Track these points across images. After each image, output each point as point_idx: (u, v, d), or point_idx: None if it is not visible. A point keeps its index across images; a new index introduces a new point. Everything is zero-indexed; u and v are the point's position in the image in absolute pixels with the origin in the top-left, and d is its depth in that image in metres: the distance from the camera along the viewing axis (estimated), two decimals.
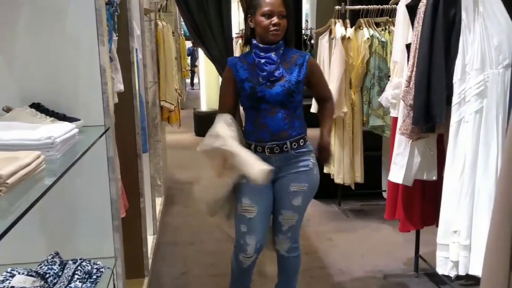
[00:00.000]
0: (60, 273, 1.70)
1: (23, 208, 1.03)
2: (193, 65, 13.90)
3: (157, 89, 4.45)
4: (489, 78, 2.21)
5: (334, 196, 4.59)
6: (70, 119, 1.79)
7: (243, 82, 2.40)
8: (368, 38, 3.91)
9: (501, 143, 2.18)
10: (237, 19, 8.32)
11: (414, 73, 2.53)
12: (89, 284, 1.70)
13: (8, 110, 1.77)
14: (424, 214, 2.97)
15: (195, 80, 14.90)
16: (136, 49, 3.08)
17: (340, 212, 4.48)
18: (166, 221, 4.32)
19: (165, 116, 4.75)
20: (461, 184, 2.31)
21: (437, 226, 2.57)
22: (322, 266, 3.41)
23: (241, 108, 2.58)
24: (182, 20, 7.14)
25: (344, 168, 4.13)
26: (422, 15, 2.46)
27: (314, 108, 3.83)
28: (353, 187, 4.23)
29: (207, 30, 4.39)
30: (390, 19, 3.96)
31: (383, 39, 3.93)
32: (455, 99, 2.33)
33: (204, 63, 8.72)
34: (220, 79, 2.77)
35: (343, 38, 3.94)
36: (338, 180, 4.18)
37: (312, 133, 2.54)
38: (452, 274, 2.39)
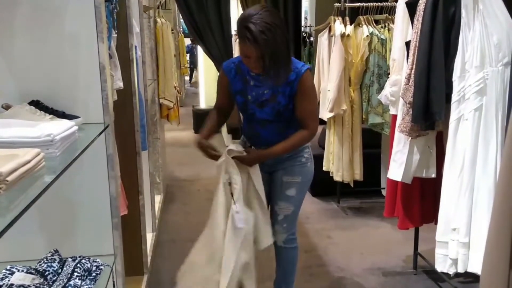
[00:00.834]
0: (59, 271, 1.71)
1: (22, 206, 1.03)
2: (192, 63, 13.84)
3: (156, 87, 4.44)
4: (488, 76, 2.21)
5: (333, 193, 4.60)
6: (70, 117, 1.79)
7: (236, 93, 2.43)
8: (367, 36, 3.90)
9: (501, 141, 2.18)
10: (236, 17, 8.29)
11: (413, 70, 2.53)
12: (88, 282, 1.70)
13: (7, 107, 1.76)
14: (423, 211, 2.97)
15: (193, 80, 14.83)
16: (135, 46, 3.07)
17: (339, 210, 4.48)
18: (166, 219, 4.32)
19: (164, 113, 4.74)
20: (460, 181, 2.31)
21: (436, 223, 2.57)
22: (321, 264, 3.42)
23: None
24: (181, 17, 7.12)
25: (343, 165, 4.13)
26: (422, 13, 2.45)
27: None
28: (352, 185, 4.23)
29: (207, 29, 4.40)
30: (390, 17, 3.96)
31: (382, 37, 3.92)
32: (454, 97, 2.33)
33: (203, 61, 8.70)
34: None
35: (343, 36, 3.94)
36: (337, 177, 4.18)
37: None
38: (451, 271, 2.40)
